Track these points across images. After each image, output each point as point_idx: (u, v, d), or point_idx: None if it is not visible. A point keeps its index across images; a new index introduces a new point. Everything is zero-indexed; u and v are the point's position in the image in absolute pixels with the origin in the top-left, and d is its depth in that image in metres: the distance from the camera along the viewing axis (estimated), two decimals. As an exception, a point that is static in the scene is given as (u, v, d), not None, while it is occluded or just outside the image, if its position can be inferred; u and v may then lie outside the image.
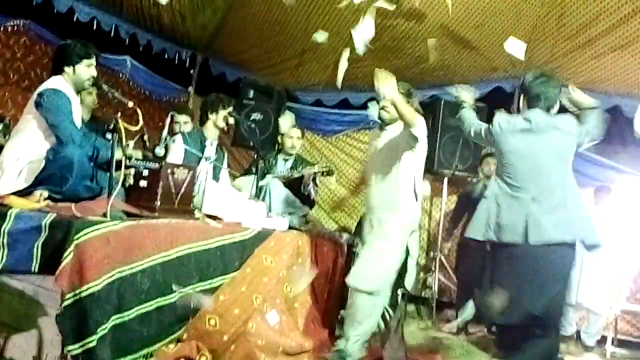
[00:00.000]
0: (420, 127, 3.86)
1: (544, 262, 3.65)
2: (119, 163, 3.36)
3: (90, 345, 2.82)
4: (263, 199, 4.84)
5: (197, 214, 3.97)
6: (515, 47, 4.79)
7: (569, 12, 5.44)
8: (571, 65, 5.91)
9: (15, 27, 6.11)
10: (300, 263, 4.34)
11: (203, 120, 4.74)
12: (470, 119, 4.15)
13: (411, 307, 6.60)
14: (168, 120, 4.24)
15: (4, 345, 3.06)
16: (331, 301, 4.57)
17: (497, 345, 4.04)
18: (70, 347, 2.81)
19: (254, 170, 5.19)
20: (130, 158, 3.62)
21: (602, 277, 5.82)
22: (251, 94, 6.98)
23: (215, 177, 4.67)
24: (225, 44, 7.44)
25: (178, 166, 3.81)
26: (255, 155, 5.48)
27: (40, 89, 3.64)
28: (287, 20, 6.50)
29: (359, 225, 4.81)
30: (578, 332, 5.96)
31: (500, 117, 3.93)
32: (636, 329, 6.28)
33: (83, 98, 4.25)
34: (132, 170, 3.68)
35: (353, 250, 4.68)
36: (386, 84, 3.77)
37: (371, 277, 3.97)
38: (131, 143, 3.81)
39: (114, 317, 3.02)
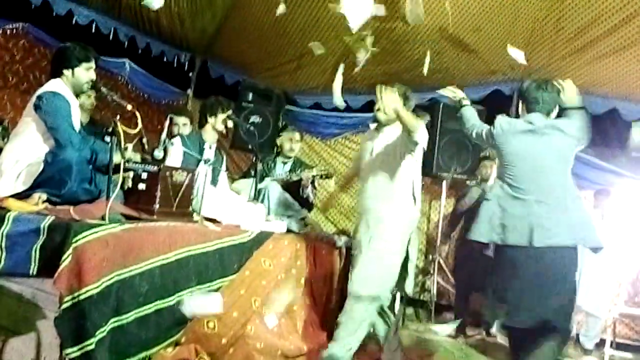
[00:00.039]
0: (422, 133, 3.86)
1: (549, 265, 3.65)
2: (117, 166, 3.35)
3: (89, 348, 2.82)
4: (262, 202, 4.84)
5: (195, 216, 3.97)
6: (516, 53, 4.80)
7: (567, 16, 5.45)
8: (569, 68, 5.92)
9: (14, 30, 6.12)
10: (298, 266, 4.34)
11: (202, 123, 4.74)
12: (472, 120, 4.13)
13: (410, 310, 6.61)
14: (167, 122, 4.24)
15: (2, 349, 3.06)
16: (330, 304, 4.56)
17: (511, 349, 4.02)
18: (69, 350, 2.80)
19: (252, 173, 5.20)
20: (128, 161, 3.62)
21: (601, 280, 5.83)
22: (250, 97, 7.00)
23: (214, 180, 4.67)
24: (224, 47, 7.45)
25: (177, 169, 3.81)
26: (254, 158, 5.48)
27: (39, 91, 3.63)
28: (286, 23, 6.51)
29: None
30: (577, 335, 5.96)
31: (501, 119, 3.94)
32: (635, 332, 6.28)
33: (81, 101, 4.25)
34: (131, 173, 3.67)
35: (352, 253, 4.67)
36: (387, 96, 3.84)
37: (373, 281, 3.94)
38: (130, 146, 3.81)
39: (112, 320, 3.01)
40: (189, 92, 7.91)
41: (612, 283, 6.14)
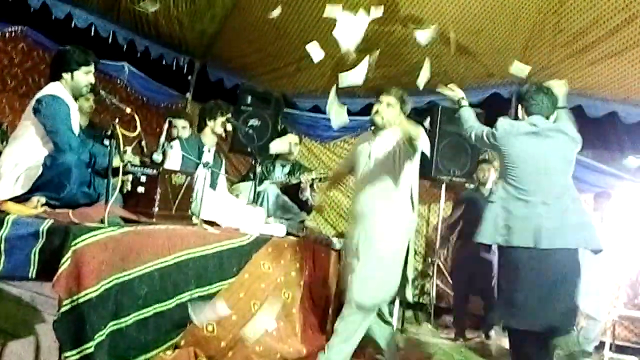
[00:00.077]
0: (423, 139, 3.84)
1: (555, 266, 3.67)
2: (116, 169, 3.35)
3: (88, 351, 2.81)
4: (261, 205, 4.84)
5: (194, 220, 3.97)
6: (519, 68, 4.79)
7: (566, 19, 5.46)
8: (568, 71, 5.93)
9: (13, 33, 6.11)
10: (297, 269, 4.34)
11: (201, 127, 4.74)
12: (471, 121, 4.14)
13: (409, 313, 6.61)
14: (166, 125, 4.24)
15: (1, 352, 3.05)
16: (329, 307, 4.55)
17: (511, 352, 4.02)
18: (68, 354, 2.80)
19: (251, 176, 5.20)
20: (127, 164, 3.62)
21: (601, 282, 5.82)
22: (249, 100, 7.01)
23: (213, 183, 4.67)
24: (224, 51, 7.46)
25: (176, 172, 3.81)
26: (253, 161, 5.48)
27: (38, 95, 3.63)
28: (285, 27, 6.52)
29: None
30: (577, 338, 5.95)
31: (503, 120, 3.94)
32: (634, 335, 6.28)
33: (80, 104, 4.25)
34: (130, 177, 3.67)
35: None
36: (386, 109, 3.98)
37: (374, 290, 3.91)
38: (129, 149, 3.80)
39: (111, 324, 3.01)
40: (188, 95, 7.91)
41: (612, 285, 6.14)
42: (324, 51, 4.41)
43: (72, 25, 6.16)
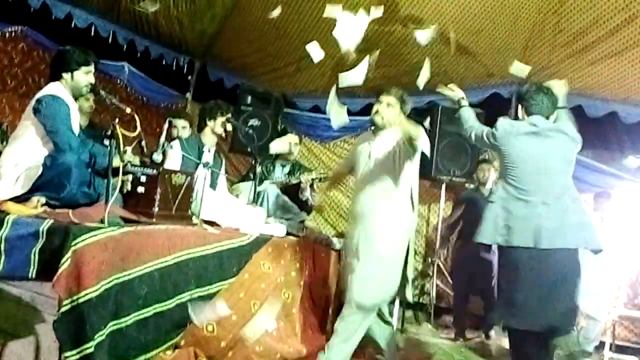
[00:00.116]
0: (423, 139, 3.84)
1: (555, 266, 3.67)
2: (116, 169, 3.35)
3: (88, 351, 2.81)
4: (261, 205, 4.84)
5: (194, 220, 3.97)
6: (519, 68, 4.78)
7: (566, 19, 5.46)
8: (568, 71, 5.93)
9: (13, 33, 6.11)
10: (298, 269, 4.34)
11: (201, 127, 4.74)
12: (471, 121, 4.14)
13: (409, 313, 6.61)
14: (166, 125, 4.23)
15: (1, 352, 3.05)
16: (329, 307, 4.55)
17: (511, 352, 4.01)
18: (68, 354, 2.80)
19: (251, 176, 5.20)
20: (127, 164, 3.62)
21: (600, 282, 5.83)
22: (249, 100, 7.01)
23: (213, 183, 4.67)
24: (224, 51, 7.46)
25: (176, 172, 3.81)
26: (253, 161, 5.48)
27: (38, 95, 3.63)
28: (285, 27, 6.52)
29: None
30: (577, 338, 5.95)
31: (503, 120, 3.95)
32: (634, 335, 6.29)
33: (80, 104, 4.25)
34: (130, 177, 3.67)
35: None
36: (386, 109, 4.00)
37: (375, 290, 3.91)
38: (129, 149, 3.80)
39: (111, 324, 3.01)
40: (188, 95, 7.92)
41: (612, 285, 6.14)
42: (324, 51, 4.41)
43: (72, 25, 6.16)
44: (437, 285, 6.61)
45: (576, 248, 3.73)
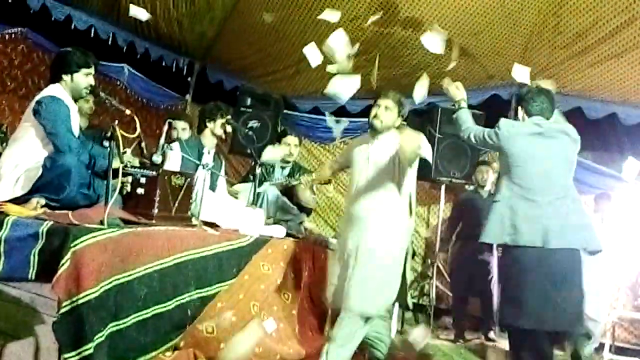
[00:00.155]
0: (426, 146, 3.82)
1: (563, 266, 3.68)
2: (116, 171, 3.35)
3: (87, 352, 2.81)
4: (260, 206, 4.83)
5: (194, 221, 3.97)
6: (521, 73, 4.78)
7: (566, 21, 5.47)
8: (568, 73, 5.94)
9: (13, 35, 6.12)
10: (297, 270, 4.34)
11: (201, 128, 4.74)
12: (469, 122, 4.12)
13: (408, 314, 6.60)
14: (166, 127, 4.23)
15: (0, 353, 3.05)
16: (328, 308, 4.55)
17: (511, 353, 4.00)
18: (67, 355, 2.80)
19: (251, 177, 5.19)
20: (127, 166, 3.62)
21: (600, 284, 5.82)
22: (249, 101, 7.01)
23: (213, 185, 4.67)
24: (223, 52, 7.47)
25: (175, 173, 3.81)
26: (253, 163, 5.48)
27: (38, 97, 3.64)
28: (285, 28, 6.53)
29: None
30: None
31: (506, 121, 3.94)
32: (634, 336, 6.28)
33: (80, 106, 4.25)
34: (130, 178, 3.67)
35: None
36: (385, 113, 3.97)
37: (374, 298, 3.83)
38: (128, 151, 3.81)
39: (111, 325, 3.01)
40: (188, 97, 7.93)
41: (611, 287, 6.14)
42: (323, 53, 4.40)
43: (72, 27, 6.16)
44: (436, 286, 6.61)
45: (579, 249, 3.74)
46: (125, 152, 3.66)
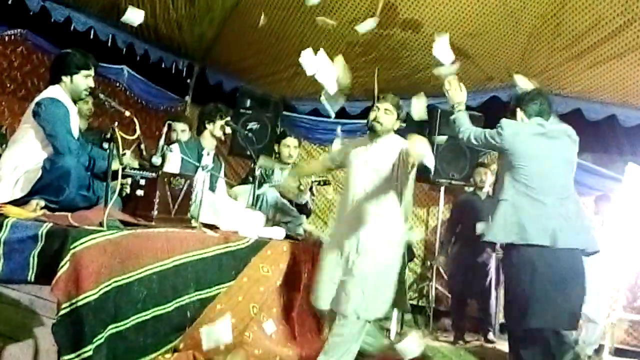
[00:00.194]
0: (429, 154, 3.82)
1: (569, 266, 3.71)
2: (115, 172, 3.35)
3: (87, 355, 2.81)
4: (260, 208, 4.83)
5: (194, 223, 3.97)
6: (523, 82, 4.76)
7: (565, 22, 5.47)
8: (567, 74, 5.94)
9: (13, 37, 6.11)
10: (297, 272, 4.33)
11: (200, 130, 4.74)
12: (467, 124, 4.11)
13: (408, 316, 6.60)
14: (165, 129, 4.23)
15: (-1, 355, 3.06)
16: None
17: (511, 355, 4.00)
18: (67, 357, 2.79)
19: (250, 179, 5.19)
20: (126, 167, 3.62)
21: (600, 285, 5.83)
22: (248, 103, 7.01)
23: (212, 187, 4.67)
24: (223, 54, 7.47)
25: (175, 175, 3.81)
26: (252, 165, 5.48)
27: (38, 98, 3.64)
28: (284, 30, 6.53)
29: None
30: (576, 341, 5.95)
31: (508, 121, 3.94)
32: (633, 338, 6.28)
33: (79, 107, 4.25)
34: (129, 180, 3.67)
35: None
36: (384, 116, 4.00)
37: (372, 304, 3.84)
38: (128, 152, 3.80)
39: (110, 327, 3.01)
40: (187, 98, 7.93)
41: (611, 289, 6.14)
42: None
43: (72, 28, 6.16)
44: (436, 288, 6.61)
45: (581, 249, 3.77)
46: (124, 154, 3.66)
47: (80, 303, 2.83)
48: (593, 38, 5.46)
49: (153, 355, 3.29)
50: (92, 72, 3.81)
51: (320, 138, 7.85)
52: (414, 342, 3.93)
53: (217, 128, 4.68)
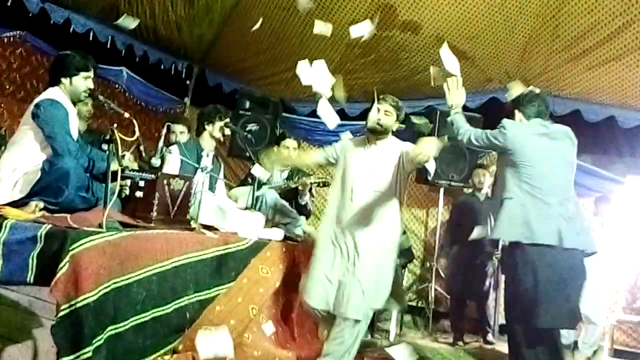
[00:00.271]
0: (431, 163, 3.83)
1: (573, 266, 3.74)
2: (115, 174, 3.35)
3: (86, 356, 2.80)
4: (259, 209, 4.83)
5: (193, 224, 3.97)
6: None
7: (564, 24, 5.47)
8: (566, 76, 5.95)
9: (12, 38, 6.10)
10: (296, 273, 4.33)
11: (199, 131, 4.75)
12: (466, 125, 4.11)
13: (407, 318, 6.60)
14: (164, 130, 4.24)
15: (-1, 357, 3.06)
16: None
17: (510, 356, 4.00)
18: (66, 359, 2.79)
19: (250, 180, 5.19)
20: (126, 169, 3.61)
21: (600, 286, 5.83)
22: (247, 104, 7.02)
23: (212, 188, 4.68)
24: (222, 55, 7.47)
25: (174, 177, 3.81)
26: (252, 166, 5.48)
27: (37, 100, 3.64)
28: (283, 32, 6.53)
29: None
30: (575, 342, 5.95)
31: (510, 121, 3.95)
32: (632, 339, 6.27)
33: (79, 109, 4.25)
34: (129, 181, 3.68)
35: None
36: (385, 117, 4.02)
37: (376, 304, 3.93)
38: (127, 154, 3.80)
39: (109, 328, 3.01)
40: (187, 100, 7.93)
41: (610, 290, 6.15)
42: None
43: (71, 30, 6.16)
44: (435, 289, 6.61)
45: (581, 250, 3.78)
46: (124, 155, 3.66)
47: (79, 304, 2.82)
48: (592, 40, 5.46)
49: (152, 357, 3.28)
50: (91, 73, 3.82)
51: (319, 139, 7.84)
52: (404, 350, 3.96)
53: (216, 129, 4.68)
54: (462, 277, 6.16)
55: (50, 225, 3.04)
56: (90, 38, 6.34)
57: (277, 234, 4.52)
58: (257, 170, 4.68)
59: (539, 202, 3.73)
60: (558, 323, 3.73)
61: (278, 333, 4.07)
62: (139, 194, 3.62)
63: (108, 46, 6.55)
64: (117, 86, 7.17)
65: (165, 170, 4.11)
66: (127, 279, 3.12)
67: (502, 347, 5.57)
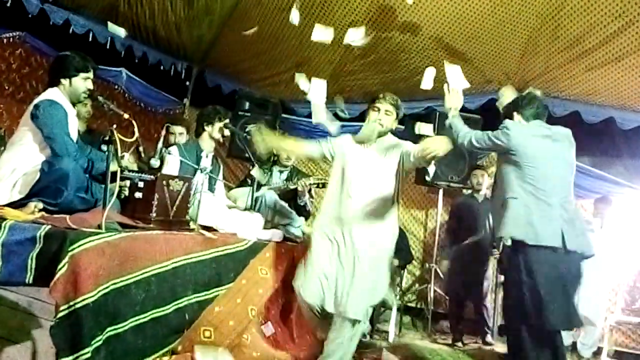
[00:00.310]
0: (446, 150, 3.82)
1: (574, 268, 3.79)
2: (114, 175, 3.35)
3: (85, 357, 2.80)
4: (258, 210, 4.83)
5: (192, 225, 3.96)
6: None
7: (563, 25, 5.48)
8: (565, 77, 5.95)
9: (11, 39, 6.11)
10: (295, 274, 4.33)
11: (199, 132, 4.75)
12: (465, 128, 4.11)
13: (407, 319, 6.61)
14: (163, 131, 4.24)
15: (-3, 358, 3.05)
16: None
17: (509, 356, 4.00)
18: (65, 359, 2.79)
19: (249, 181, 5.19)
20: (125, 170, 3.61)
21: (599, 288, 5.83)
22: (247, 106, 7.02)
23: (211, 189, 4.67)
24: (221, 56, 7.47)
25: (173, 178, 3.81)
26: (251, 167, 5.48)
27: (36, 101, 3.63)
28: (283, 33, 6.53)
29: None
30: (574, 344, 5.95)
31: (512, 122, 3.95)
32: (631, 340, 6.28)
33: (78, 109, 4.25)
34: (128, 182, 3.68)
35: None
36: (385, 116, 4.04)
37: (373, 302, 3.94)
38: (126, 155, 3.80)
39: (108, 329, 3.00)
40: (186, 101, 7.94)
41: (609, 291, 6.15)
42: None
43: (70, 31, 6.17)
44: (434, 290, 6.61)
45: (580, 252, 3.79)
46: (123, 156, 3.65)
47: (78, 305, 2.82)
48: (591, 41, 5.47)
49: (151, 358, 3.27)
50: (90, 74, 3.82)
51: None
52: None
53: (215, 130, 4.68)
54: (461, 278, 6.16)
55: (49, 226, 3.04)
56: (90, 39, 6.35)
57: (277, 235, 4.52)
58: (256, 172, 4.69)
59: (542, 203, 3.73)
60: (562, 324, 3.74)
61: (277, 334, 4.07)
62: (138, 194, 3.61)
63: (107, 47, 6.55)
64: (116, 87, 7.18)
65: (164, 171, 4.12)
66: (126, 279, 3.12)
67: (501, 348, 5.59)
